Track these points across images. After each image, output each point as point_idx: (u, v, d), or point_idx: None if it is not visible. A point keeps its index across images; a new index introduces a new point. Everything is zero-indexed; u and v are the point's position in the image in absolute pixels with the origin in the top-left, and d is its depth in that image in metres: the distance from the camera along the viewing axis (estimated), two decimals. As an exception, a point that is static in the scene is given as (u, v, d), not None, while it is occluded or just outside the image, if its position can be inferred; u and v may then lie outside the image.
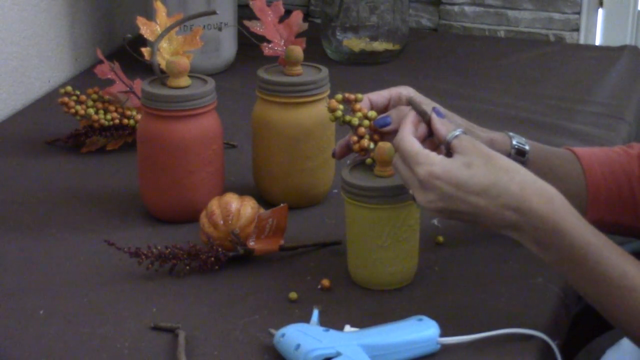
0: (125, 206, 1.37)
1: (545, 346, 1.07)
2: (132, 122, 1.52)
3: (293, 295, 1.15)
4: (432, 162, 1.04)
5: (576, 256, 1.02)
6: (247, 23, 1.37)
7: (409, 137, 1.08)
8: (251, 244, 1.20)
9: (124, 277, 1.19)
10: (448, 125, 1.10)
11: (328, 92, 1.34)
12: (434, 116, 1.11)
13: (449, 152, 1.07)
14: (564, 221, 1.02)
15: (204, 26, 1.78)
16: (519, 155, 1.22)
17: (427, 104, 1.19)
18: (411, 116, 1.11)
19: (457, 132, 1.07)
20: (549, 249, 1.03)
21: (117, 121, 1.52)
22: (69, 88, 1.52)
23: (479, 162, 1.04)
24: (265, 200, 1.34)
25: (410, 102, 1.13)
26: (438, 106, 1.14)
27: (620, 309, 1.02)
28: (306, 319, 1.09)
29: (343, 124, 1.18)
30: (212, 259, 1.19)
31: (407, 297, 1.16)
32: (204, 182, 1.30)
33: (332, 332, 1.04)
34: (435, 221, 1.31)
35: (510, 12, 2.19)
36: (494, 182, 1.03)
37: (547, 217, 1.02)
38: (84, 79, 1.79)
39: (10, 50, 1.69)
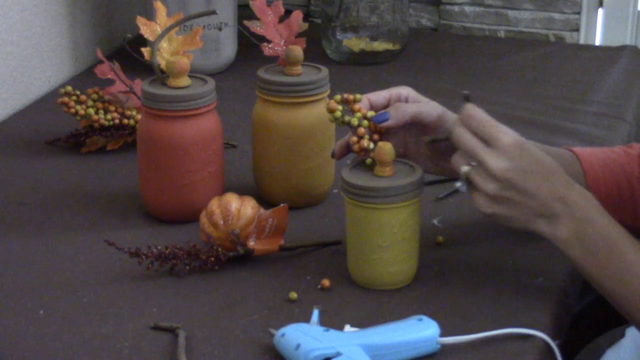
0: (125, 206, 1.37)
1: (545, 346, 1.07)
2: (132, 122, 1.52)
3: (293, 295, 1.15)
4: (515, 133, 1.08)
5: (602, 249, 1.06)
6: (247, 23, 1.37)
7: (479, 110, 1.10)
8: (251, 244, 1.20)
9: (124, 277, 1.19)
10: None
11: (328, 92, 1.34)
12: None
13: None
14: (599, 215, 1.07)
15: (204, 26, 1.78)
16: (519, 155, 1.23)
17: (426, 102, 1.20)
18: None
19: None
20: (579, 241, 1.07)
21: (117, 121, 1.52)
22: (69, 88, 1.52)
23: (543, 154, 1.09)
24: (265, 200, 1.34)
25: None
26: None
27: None
28: (306, 319, 1.09)
29: (342, 125, 1.18)
30: (212, 259, 1.19)
31: (407, 297, 1.16)
32: (204, 182, 1.30)
33: (332, 332, 1.04)
34: (435, 221, 1.31)
35: (510, 12, 2.19)
36: (556, 168, 1.08)
37: (584, 208, 1.07)
38: (84, 79, 1.79)
39: (10, 50, 1.69)
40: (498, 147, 1.06)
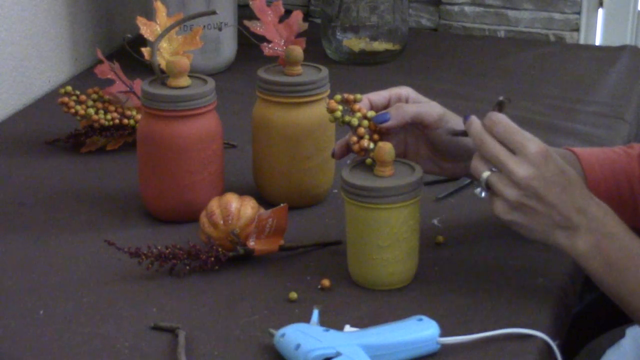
0: (125, 206, 1.36)
1: (545, 346, 1.07)
2: (132, 122, 1.52)
3: (293, 295, 1.15)
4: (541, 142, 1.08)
5: (620, 261, 1.06)
6: (247, 23, 1.36)
7: (503, 116, 1.09)
8: (251, 244, 1.20)
9: (124, 277, 1.19)
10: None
11: (328, 92, 1.34)
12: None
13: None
14: (618, 227, 1.07)
15: (204, 26, 1.78)
16: (520, 155, 1.23)
17: (427, 103, 1.20)
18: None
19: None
20: (598, 254, 1.06)
21: (117, 121, 1.52)
22: (69, 88, 1.52)
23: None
24: (265, 200, 1.34)
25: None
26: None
27: None
28: (306, 319, 1.09)
29: (343, 125, 1.18)
30: (212, 259, 1.19)
31: (407, 297, 1.16)
32: (204, 182, 1.30)
33: (332, 332, 1.04)
34: (435, 221, 1.31)
35: (510, 12, 2.19)
36: (577, 180, 1.07)
37: (603, 220, 1.06)
38: (84, 79, 1.79)
39: (10, 50, 1.69)
40: (524, 155, 1.06)
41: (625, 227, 1.08)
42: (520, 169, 1.06)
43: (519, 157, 1.07)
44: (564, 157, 1.26)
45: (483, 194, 1.10)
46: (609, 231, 1.06)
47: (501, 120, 1.09)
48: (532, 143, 1.07)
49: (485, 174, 1.08)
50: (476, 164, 1.10)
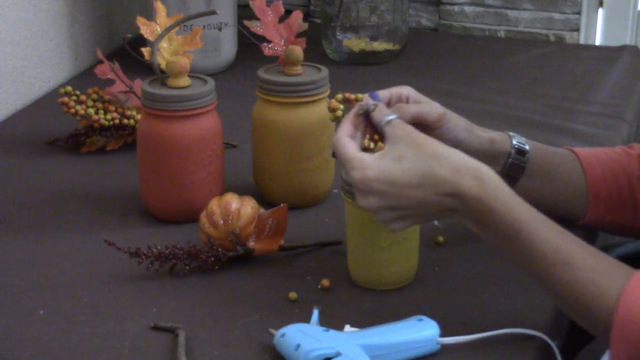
0: (125, 206, 1.37)
1: (545, 346, 1.07)
2: (132, 122, 1.52)
3: (293, 295, 1.15)
4: (365, 165, 1.05)
5: (509, 233, 1.03)
6: (247, 23, 1.36)
7: (344, 140, 1.08)
8: (251, 244, 1.20)
9: (124, 277, 1.19)
10: (383, 109, 1.09)
11: (328, 92, 1.34)
12: (368, 100, 1.11)
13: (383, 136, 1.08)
14: (495, 200, 1.02)
15: (204, 26, 1.78)
16: (519, 155, 1.22)
17: (427, 102, 1.20)
18: (350, 116, 1.11)
19: (390, 117, 1.07)
20: (485, 228, 1.04)
21: (117, 121, 1.52)
22: (69, 88, 1.52)
23: (409, 153, 1.04)
24: (265, 200, 1.34)
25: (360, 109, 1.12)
26: (375, 92, 1.14)
27: (556, 283, 1.02)
28: (306, 319, 1.09)
29: (343, 124, 1.18)
30: (212, 259, 1.19)
31: (407, 297, 1.16)
32: (204, 182, 1.30)
33: (332, 332, 1.04)
34: (435, 221, 1.31)
35: (510, 12, 2.19)
36: (427, 171, 1.03)
37: (479, 197, 1.02)
38: (84, 79, 1.80)
39: (10, 50, 1.69)
40: (357, 186, 1.06)
41: (507, 194, 1.04)
42: (362, 201, 1.06)
43: (357, 188, 1.06)
44: (565, 157, 1.26)
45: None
46: (486, 208, 1.03)
47: (335, 147, 1.08)
48: (354, 173, 1.05)
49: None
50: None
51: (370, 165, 1.04)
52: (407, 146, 1.04)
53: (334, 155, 1.23)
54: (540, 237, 1.02)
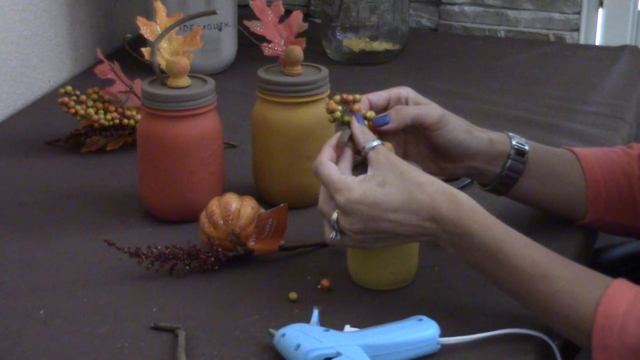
0: (125, 206, 1.37)
1: (545, 346, 1.07)
2: (132, 122, 1.52)
3: (293, 295, 1.15)
4: (350, 187, 1.08)
5: (488, 252, 1.06)
6: (247, 23, 1.37)
7: (327, 164, 1.12)
8: (251, 244, 1.20)
9: (124, 277, 1.19)
10: (367, 133, 1.13)
11: (328, 92, 1.34)
12: (354, 122, 1.15)
13: (365, 160, 1.12)
14: (472, 223, 1.06)
15: (204, 26, 1.78)
16: (519, 156, 1.22)
17: (427, 103, 1.20)
18: (332, 140, 1.15)
19: (374, 143, 1.12)
20: (464, 251, 1.08)
21: (117, 121, 1.52)
22: (69, 88, 1.52)
23: (392, 179, 1.08)
24: (265, 200, 1.34)
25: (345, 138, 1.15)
26: (359, 110, 1.16)
27: (536, 297, 1.05)
28: (306, 319, 1.09)
29: (342, 125, 1.18)
30: (212, 259, 1.19)
31: (407, 297, 1.16)
32: (204, 182, 1.30)
33: (332, 332, 1.04)
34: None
35: (510, 12, 2.19)
36: (408, 197, 1.07)
37: (456, 221, 1.07)
38: (84, 79, 1.79)
39: (10, 50, 1.69)
40: (340, 208, 1.09)
41: (484, 216, 1.07)
42: (343, 222, 1.09)
43: (340, 209, 1.09)
44: (564, 157, 1.26)
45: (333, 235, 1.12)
46: (464, 230, 1.06)
47: (317, 170, 1.11)
48: (338, 195, 1.08)
49: (334, 215, 1.11)
50: (323, 206, 1.12)
51: (354, 187, 1.08)
52: (390, 173, 1.09)
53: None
54: (518, 253, 1.05)
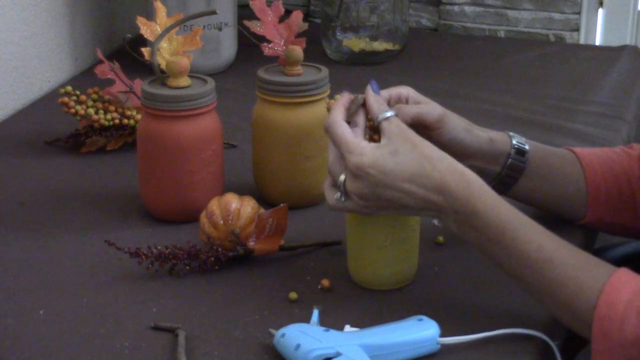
0: (125, 206, 1.37)
1: (545, 346, 1.07)
2: (132, 122, 1.52)
3: (293, 295, 1.15)
4: (363, 151, 1.08)
5: (493, 235, 1.06)
6: (247, 23, 1.37)
7: (342, 123, 1.11)
8: (251, 244, 1.20)
9: (124, 277, 1.19)
10: (381, 104, 1.12)
11: (328, 92, 1.34)
12: (369, 91, 1.14)
13: (378, 130, 1.11)
14: (480, 203, 1.06)
15: (204, 26, 1.78)
16: (519, 155, 1.22)
17: (427, 102, 1.20)
18: (343, 99, 1.14)
19: (387, 114, 1.11)
20: (468, 230, 1.07)
21: (117, 121, 1.52)
22: (69, 88, 1.52)
23: (404, 150, 1.08)
24: (265, 200, 1.34)
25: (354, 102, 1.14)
26: (374, 81, 1.16)
27: (539, 281, 1.05)
28: (306, 319, 1.09)
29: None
30: (212, 259, 1.19)
31: (407, 297, 1.16)
32: (204, 182, 1.30)
33: (332, 332, 1.04)
34: (435, 221, 1.31)
35: (510, 12, 2.19)
36: (418, 169, 1.07)
37: (465, 200, 1.06)
38: (84, 79, 1.79)
39: (10, 50, 1.69)
40: (350, 169, 1.09)
41: (492, 197, 1.07)
42: (350, 184, 1.09)
43: (346, 170, 1.09)
44: (564, 157, 1.26)
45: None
46: (472, 210, 1.06)
47: (330, 128, 1.11)
48: (351, 157, 1.08)
49: (341, 177, 1.10)
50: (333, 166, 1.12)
51: (367, 152, 1.08)
52: (403, 144, 1.08)
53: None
54: (524, 236, 1.05)
